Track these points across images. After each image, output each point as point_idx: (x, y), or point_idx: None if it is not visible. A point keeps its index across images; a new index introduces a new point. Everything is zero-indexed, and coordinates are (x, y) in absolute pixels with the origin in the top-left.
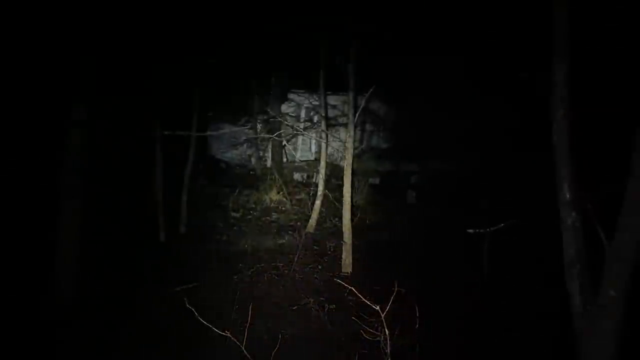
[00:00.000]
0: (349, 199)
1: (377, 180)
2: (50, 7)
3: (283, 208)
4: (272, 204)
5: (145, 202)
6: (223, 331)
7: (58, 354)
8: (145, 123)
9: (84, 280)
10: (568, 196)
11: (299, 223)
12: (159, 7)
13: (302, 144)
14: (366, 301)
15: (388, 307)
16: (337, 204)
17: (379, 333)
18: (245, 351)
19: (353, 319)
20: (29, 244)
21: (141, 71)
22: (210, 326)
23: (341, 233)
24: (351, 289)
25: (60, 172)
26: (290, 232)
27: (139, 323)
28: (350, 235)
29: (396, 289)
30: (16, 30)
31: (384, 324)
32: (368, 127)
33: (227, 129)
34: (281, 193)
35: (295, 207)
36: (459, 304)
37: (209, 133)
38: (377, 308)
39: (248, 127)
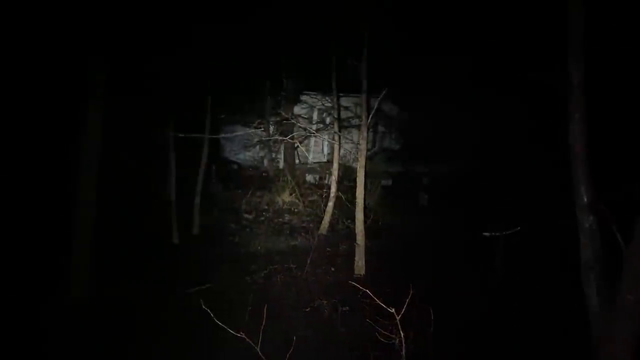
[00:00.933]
0: (362, 201)
1: (389, 182)
2: (67, 13)
3: (295, 210)
4: (285, 206)
5: (159, 204)
6: (238, 332)
7: (72, 353)
8: (159, 126)
9: (98, 280)
10: (585, 199)
11: (311, 225)
12: (172, 10)
13: (315, 145)
14: (381, 304)
15: (403, 310)
16: (349, 205)
17: (393, 335)
18: (260, 352)
19: (367, 321)
20: (44, 244)
21: (155, 74)
22: (226, 327)
23: (354, 235)
24: (365, 291)
25: (74, 174)
26: (302, 233)
27: (153, 324)
28: (363, 237)
29: (411, 292)
30: (32, 35)
31: (399, 326)
32: (380, 128)
33: (240, 131)
34: (294, 195)
35: (307, 209)
36: (472, 307)
37: (221, 135)
38: (393, 311)
39: (261, 129)
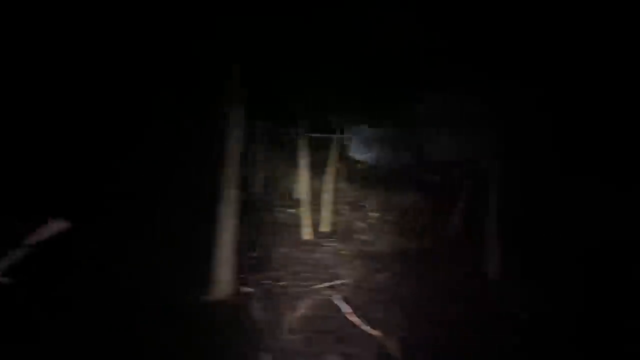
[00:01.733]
0: (495, 204)
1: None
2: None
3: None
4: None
5: (291, 202)
6: (373, 329)
7: (213, 348)
8: (292, 126)
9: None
10: None
11: (438, 225)
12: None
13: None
14: (517, 310)
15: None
16: (478, 207)
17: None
18: (391, 349)
19: (494, 325)
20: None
21: (293, 81)
22: (365, 325)
23: (484, 236)
24: (501, 295)
25: (218, 176)
26: (430, 234)
27: (287, 317)
28: (495, 240)
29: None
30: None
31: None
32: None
33: (366, 132)
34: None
35: (435, 210)
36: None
37: (347, 135)
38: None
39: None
